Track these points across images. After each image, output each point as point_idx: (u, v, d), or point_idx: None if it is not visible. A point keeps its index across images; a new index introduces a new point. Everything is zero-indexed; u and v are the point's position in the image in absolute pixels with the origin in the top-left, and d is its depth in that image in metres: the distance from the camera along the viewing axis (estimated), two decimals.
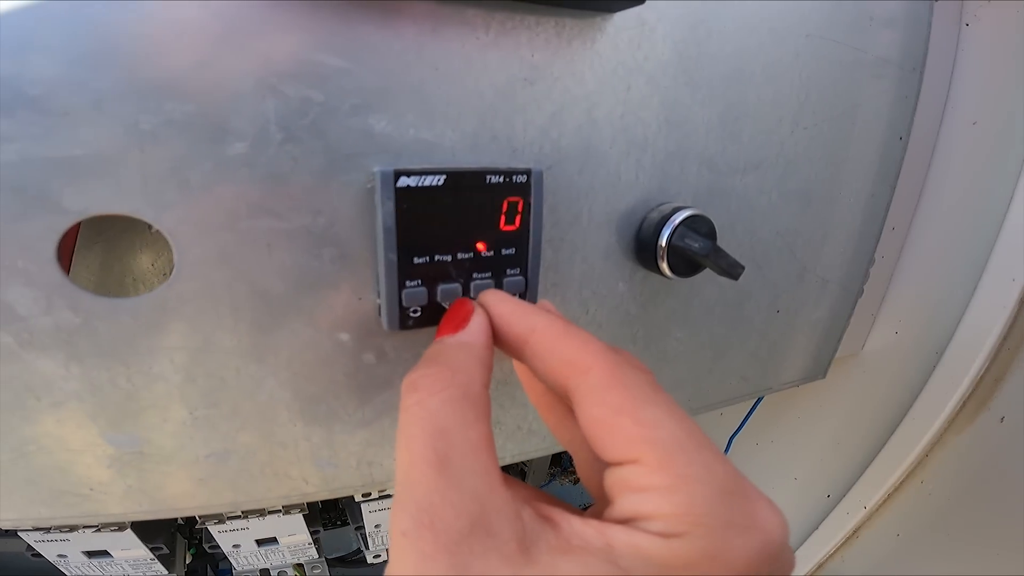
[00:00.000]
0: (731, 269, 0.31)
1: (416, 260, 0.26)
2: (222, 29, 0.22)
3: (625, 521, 0.16)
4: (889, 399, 0.62)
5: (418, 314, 0.27)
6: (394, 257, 0.25)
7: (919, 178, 0.57)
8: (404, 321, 0.27)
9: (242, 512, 0.58)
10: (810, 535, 0.72)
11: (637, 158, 0.33)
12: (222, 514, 0.57)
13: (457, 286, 0.27)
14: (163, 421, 0.25)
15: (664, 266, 0.32)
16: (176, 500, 0.28)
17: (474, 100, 0.28)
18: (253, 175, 0.23)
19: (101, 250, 0.42)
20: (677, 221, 0.32)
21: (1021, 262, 0.50)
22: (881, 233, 0.50)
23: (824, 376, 0.55)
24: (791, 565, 0.17)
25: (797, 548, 0.72)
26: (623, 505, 0.16)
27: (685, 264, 0.32)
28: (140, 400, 0.24)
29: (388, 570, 0.16)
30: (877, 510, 0.65)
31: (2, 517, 0.25)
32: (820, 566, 0.72)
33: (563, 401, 0.22)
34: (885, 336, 0.63)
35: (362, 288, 0.27)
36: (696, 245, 0.30)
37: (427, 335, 0.28)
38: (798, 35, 0.38)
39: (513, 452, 0.37)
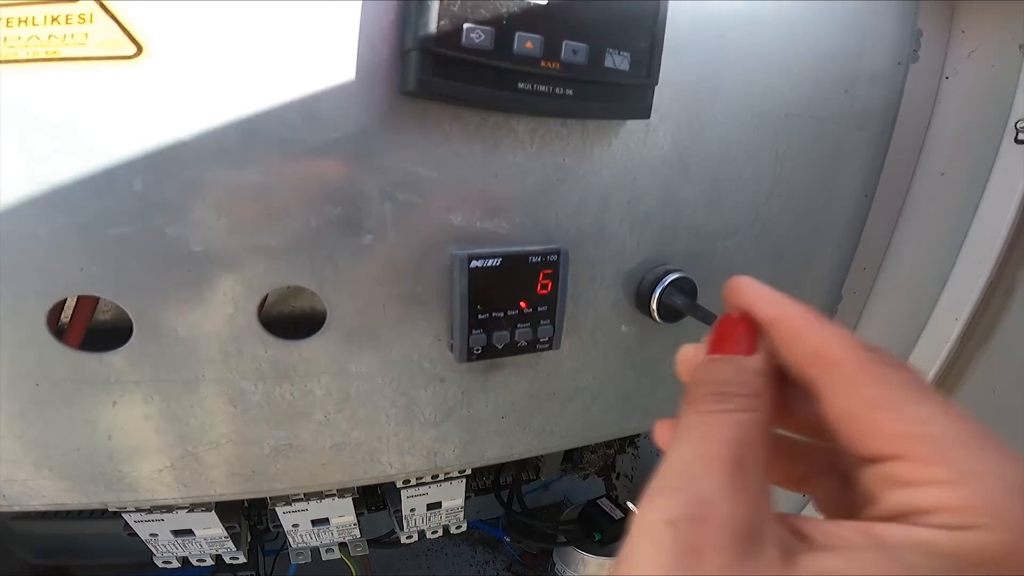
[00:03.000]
0: (706, 319, 0.44)
1: (480, 316, 0.39)
2: (359, 151, 0.34)
3: (894, 518, 0.16)
4: None
5: (479, 352, 0.40)
6: (466, 315, 0.38)
7: (890, 225, 0.68)
8: (470, 356, 0.40)
9: (304, 495, 0.71)
10: None
11: (639, 233, 0.45)
12: (288, 496, 0.70)
13: (506, 333, 0.40)
14: (307, 422, 0.38)
15: (656, 316, 0.45)
16: (303, 479, 0.41)
17: (522, 197, 0.40)
18: (376, 258, 0.36)
19: None
20: (666, 283, 0.44)
21: (963, 303, 0.61)
22: (845, 278, 0.61)
23: None
24: None
25: None
26: (891, 501, 0.16)
27: (672, 314, 0.45)
28: (296, 408, 0.37)
29: (630, 556, 0.16)
30: None
31: (191, 495, 0.39)
32: None
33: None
34: None
35: (441, 332, 0.40)
36: (679, 303, 0.43)
37: (481, 365, 0.41)
38: (778, 116, 0.49)
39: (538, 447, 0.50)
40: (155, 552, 0.73)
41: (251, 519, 0.85)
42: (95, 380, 0.33)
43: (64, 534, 0.95)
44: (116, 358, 0.33)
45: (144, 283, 0.32)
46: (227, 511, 0.73)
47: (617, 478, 1.16)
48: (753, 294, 0.22)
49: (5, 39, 0.28)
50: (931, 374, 0.63)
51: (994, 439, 0.16)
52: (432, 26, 0.31)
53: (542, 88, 0.35)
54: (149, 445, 0.36)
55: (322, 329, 0.36)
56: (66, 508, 0.37)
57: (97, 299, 0.34)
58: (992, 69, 0.62)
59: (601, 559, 0.91)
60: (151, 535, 0.70)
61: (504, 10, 0.33)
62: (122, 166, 0.30)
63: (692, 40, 0.43)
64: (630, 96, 0.39)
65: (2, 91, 0.28)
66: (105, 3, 0.29)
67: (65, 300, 0.33)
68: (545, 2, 0.34)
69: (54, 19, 0.29)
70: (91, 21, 0.29)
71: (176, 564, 0.76)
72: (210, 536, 0.74)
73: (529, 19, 0.34)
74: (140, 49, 0.29)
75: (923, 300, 0.67)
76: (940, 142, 0.67)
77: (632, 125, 0.43)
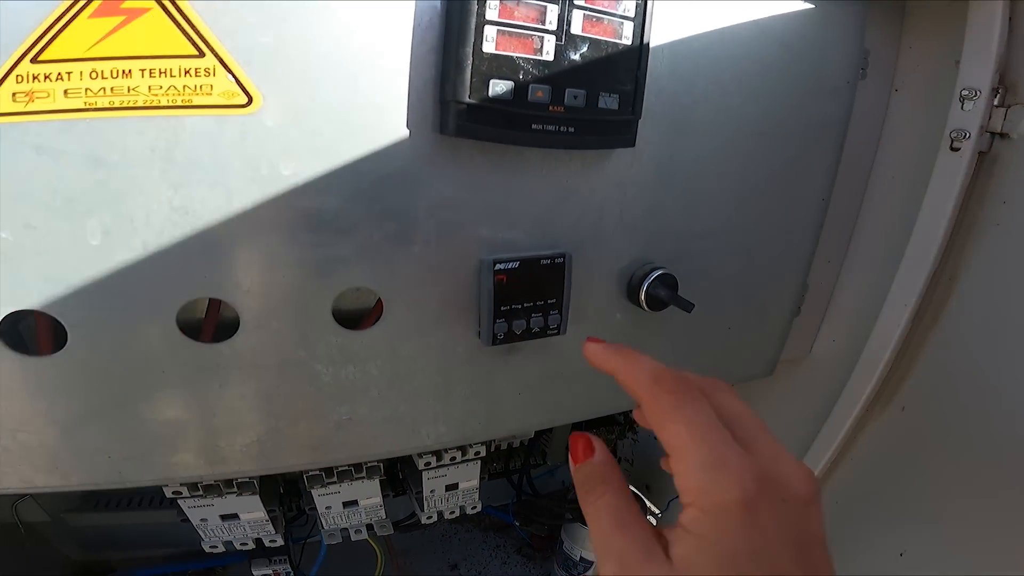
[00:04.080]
0: (686, 307, 0.54)
1: (502, 308, 0.49)
2: (410, 180, 0.44)
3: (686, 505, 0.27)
4: (829, 391, 0.84)
5: (502, 337, 0.50)
6: (491, 308, 0.48)
7: (850, 222, 0.79)
8: (494, 340, 0.50)
9: (338, 476, 0.80)
10: None
11: (629, 237, 0.55)
12: (323, 476, 0.79)
13: (523, 321, 0.50)
14: (364, 398, 0.48)
15: (644, 305, 0.55)
16: (358, 450, 0.51)
17: (533, 213, 0.50)
18: (422, 264, 0.47)
19: None
20: (652, 278, 0.54)
21: (912, 292, 0.72)
22: (809, 271, 0.72)
23: (771, 374, 0.77)
24: None
25: None
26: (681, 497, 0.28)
27: (657, 304, 0.55)
28: (357, 386, 0.47)
29: None
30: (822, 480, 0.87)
31: (270, 465, 0.48)
32: None
33: None
34: (826, 343, 0.86)
35: (472, 323, 0.50)
36: (663, 294, 0.53)
37: (503, 349, 0.51)
38: (742, 136, 0.59)
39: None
40: (204, 537, 0.80)
41: (283, 506, 0.93)
42: (208, 367, 0.42)
43: (112, 525, 1.04)
44: (225, 348, 0.42)
45: (251, 290, 0.42)
46: (266, 496, 0.82)
47: (619, 462, 1.25)
48: (601, 358, 0.36)
49: (149, 88, 0.37)
50: (887, 355, 0.73)
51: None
52: (467, 83, 0.41)
53: (550, 127, 0.45)
54: (243, 421, 0.46)
55: (380, 321, 0.46)
56: (172, 481, 0.46)
57: (220, 301, 0.43)
58: (933, 82, 0.73)
59: None
60: (201, 520, 0.78)
61: (520, 67, 0.43)
62: (241, 198, 0.39)
63: (669, 79, 0.53)
64: (619, 129, 0.49)
65: (152, 132, 0.37)
66: (223, 58, 0.37)
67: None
68: (552, 59, 0.44)
69: (186, 71, 0.37)
70: (214, 74, 0.37)
71: (221, 548, 0.83)
72: (253, 520, 0.82)
73: (539, 74, 0.44)
74: (251, 99, 0.38)
75: (879, 289, 0.77)
76: (891, 149, 0.77)
77: (622, 151, 0.53)
